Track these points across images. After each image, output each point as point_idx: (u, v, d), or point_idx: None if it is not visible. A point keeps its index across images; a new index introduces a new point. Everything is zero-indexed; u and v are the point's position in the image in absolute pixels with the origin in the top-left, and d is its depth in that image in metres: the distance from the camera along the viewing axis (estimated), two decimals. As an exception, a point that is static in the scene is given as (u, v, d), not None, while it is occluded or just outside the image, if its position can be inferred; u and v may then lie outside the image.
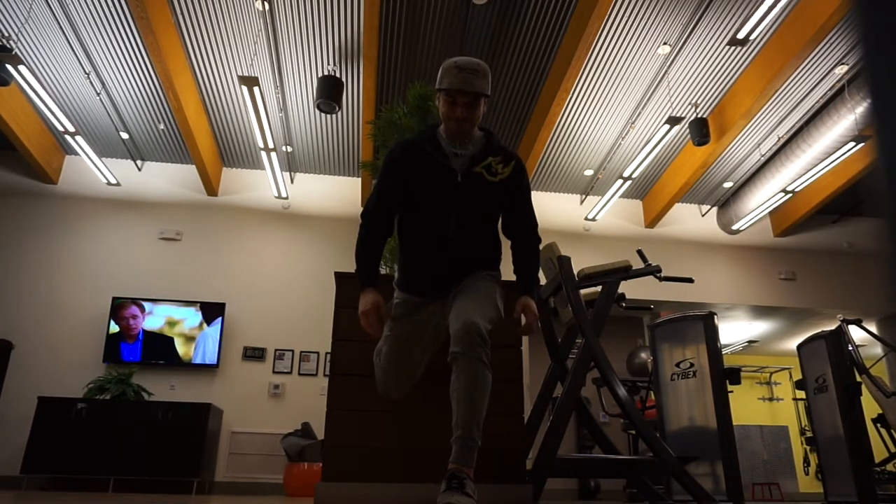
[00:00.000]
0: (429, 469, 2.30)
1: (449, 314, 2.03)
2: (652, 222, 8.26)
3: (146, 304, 6.91)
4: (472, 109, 2.02)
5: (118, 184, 7.49)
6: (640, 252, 3.62)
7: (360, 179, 7.90)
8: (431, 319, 2.14)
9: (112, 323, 6.82)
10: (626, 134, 7.11)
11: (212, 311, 7.00)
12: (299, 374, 7.05)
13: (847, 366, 5.07)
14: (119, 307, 6.87)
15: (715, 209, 8.56)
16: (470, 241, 2.11)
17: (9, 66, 5.20)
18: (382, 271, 3.43)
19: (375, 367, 2.24)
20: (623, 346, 8.47)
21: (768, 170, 7.32)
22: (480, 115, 2.06)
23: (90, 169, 7.45)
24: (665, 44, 5.87)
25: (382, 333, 2.18)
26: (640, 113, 6.81)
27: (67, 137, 6.48)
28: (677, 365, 4.34)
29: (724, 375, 4.06)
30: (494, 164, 2.10)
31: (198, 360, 6.81)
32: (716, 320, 4.26)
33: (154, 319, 6.88)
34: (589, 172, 7.87)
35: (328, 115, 6.83)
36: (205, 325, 6.93)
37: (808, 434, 9.70)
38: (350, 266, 7.20)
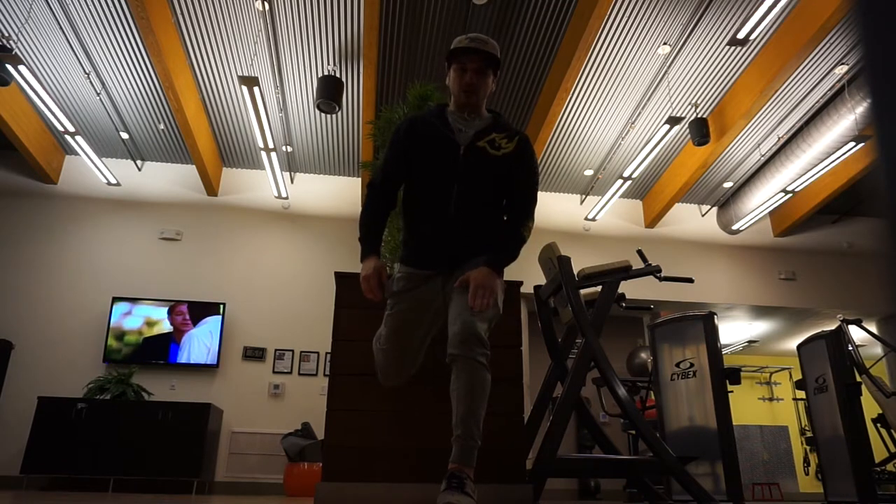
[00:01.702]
0: (429, 469, 2.29)
1: (450, 301, 2.01)
2: (652, 222, 8.26)
3: (126, 304, 6.90)
4: (482, 77, 2.09)
5: (118, 184, 7.49)
6: (640, 252, 3.62)
7: (360, 179, 7.91)
8: (433, 299, 2.09)
9: (167, 323, 6.88)
10: (626, 134, 7.11)
11: (199, 312, 6.99)
12: (299, 374, 7.05)
13: (847, 366, 5.07)
14: (172, 308, 6.92)
15: (715, 209, 8.56)
16: (472, 216, 2.10)
17: (9, 66, 5.20)
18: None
19: (375, 353, 2.21)
20: (623, 346, 8.47)
21: (768, 170, 7.32)
22: (488, 87, 2.12)
23: (90, 169, 7.45)
24: (665, 44, 5.87)
25: (384, 314, 2.16)
26: (640, 113, 6.81)
27: (67, 137, 6.49)
28: (677, 365, 4.34)
29: (724, 375, 4.06)
30: (498, 139, 2.13)
31: (182, 360, 6.80)
32: (716, 320, 4.26)
33: (133, 319, 6.87)
34: (589, 172, 7.87)
35: (328, 115, 6.83)
36: (190, 325, 6.92)
37: (808, 434, 9.70)
38: (349, 265, 7.20)
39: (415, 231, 2.15)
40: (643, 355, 7.30)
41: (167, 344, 6.82)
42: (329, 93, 5.69)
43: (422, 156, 2.13)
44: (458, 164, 2.08)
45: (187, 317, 6.91)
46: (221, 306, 7.01)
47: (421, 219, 2.13)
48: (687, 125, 6.73)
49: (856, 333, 7.21)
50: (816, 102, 6.61)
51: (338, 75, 6.12)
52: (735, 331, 9.75)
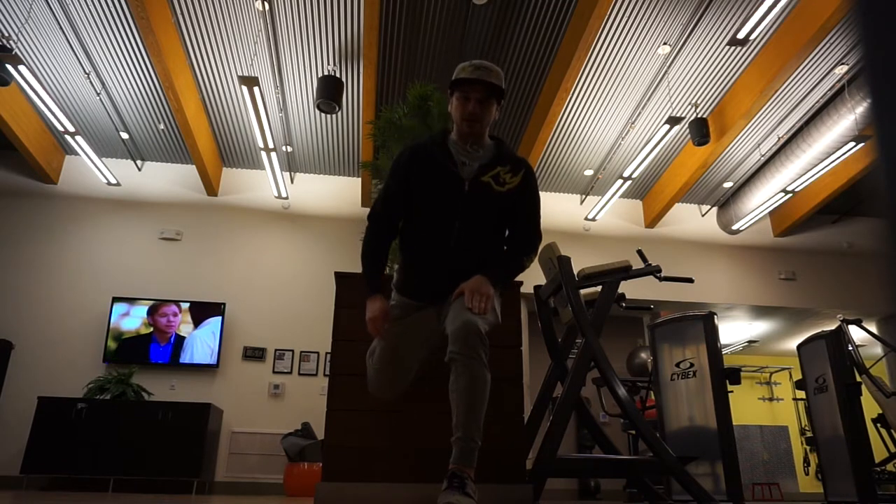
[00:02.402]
0: (429, 469, 2.29)
1: (446, 317, 2.01)
2: (652, 222, 8.26)
3: (124, 305, 6.89)
4: (485, 107, 2.04)
5: (118, 184, 7.49)
6: (640, 252, 3.62)
7: (360, 179, 7.90)
8: (427, 323, 2.12)
9: (147, 324, 6.85)
10: (626, 134, 7.11)
11: (202, 312, 6.98)
12: (299, 374, 7.05)
13: (847, 366, 5.07)
14: (155, 308, 6.89)
15: (715, 209, 8.56)
16: (471, 251, 2.08)
17: (9, 66, 5.20)
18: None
19: (368, 368, 2.22)
20: (623, 346, 8.47)
21: (768, 170, 7.32)
22: (492, 117, 2.07)
23: (90, 169, 7.45)
24: (665, 44, 5.87)
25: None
26: (640, 113, 6.81)
27: (67, 137, 6.48)
28: (677, 365, 4.34)
29: (724, 375, 4.06)
30: (503, 174, 2.09)
31: (184, 361, 6.80)
32: (716, 320, 4.26)
33: (132, 320, 6.86)
34: (589, 172, 7.87)
35: (328, 115, 6.83)
36: (192, 326, 6.91)
37: (808, 434, 9.70)
38: (349, 265, 7.20)
39: (413, 263, 2.14)
40: (643, 355, 7.30)
41: (146, 345, 6.79)
42: (329, 93, 5.69)
43: (424, 189, 2.08)
44: (461, 199, 2.05)
45: (171, 319, 6.88)
46: (222, 306, 7.01)
47: (420, 251, 2.12)
48: (687, 125, 6.73)
49: (856, 333, 7.21)
50: (816, 102, 6.61)
51: (338, 75, 6.12)
52: (735, 331, 9.74)
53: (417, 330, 2.12)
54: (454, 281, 2.05)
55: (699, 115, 6.67)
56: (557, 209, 8.24)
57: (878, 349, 10.00)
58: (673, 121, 6.06)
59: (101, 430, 5.92)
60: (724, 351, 10.81)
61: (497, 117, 2.12)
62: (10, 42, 5.64)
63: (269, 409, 6.89)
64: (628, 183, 7.27)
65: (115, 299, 6.87)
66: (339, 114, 6.79)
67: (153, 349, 6.78)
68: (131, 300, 6.91)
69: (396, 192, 2.12)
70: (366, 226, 2.19)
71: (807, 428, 10.49)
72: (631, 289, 7.56)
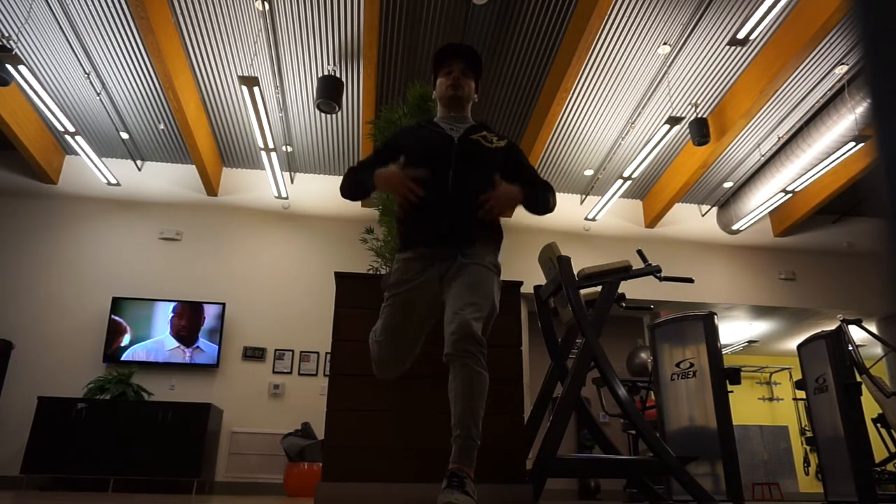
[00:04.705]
0: (429, 469, 2.29)
1: (446, 295, 2.00)
2: (652, 222, 8.26)
3: (126, 305, 6.89)
4: (466, 78, 2.24)
5: (118, 184, 7.49)
6: (640, 252, 3.62)
7: (360, 179, 7.89)
8: (430, 287, 2.06)
9: (157, 323, 6.85)
10: (626, 134, 7.11)
11: (203, 313, 6.97)
12: (299, 374, 7.05)
13: (847, 366, 5.07)
14: (151, 309, 6.90)
15: (715, 209, 8.56)
16: (469, 196, 2.08)
17: (9, 66, 5.20)
18: (382, 271, 3.42)
19: (371, 346, 2.20)
20: (623, 346, 8.47)
21: (768, 170, 7.32)
22: (472, 89, 2.27)
23: (90, 169, 7.45)
24: (665, 44, 5.87)
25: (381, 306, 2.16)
26: (640, 113, 6.81)
27: (67, 137, 6.48)
28: (677, 365, 4.34)
29: (724, 375, 4.06)
30: (489, 136, 2.24)
31: (185, 361, 6.80)
32: (716, 320, 4.26)
33: (129, 321, 6.85)
34: (589, 172, 7.87)
35: (328, 115, 6.82)
36: (193, 328, 6.91)
37: (808, 434, 9.70)
38: (349, 265, 7.20)
39: (412, 212, 2.10)
40: (643, 355, 7.30)
41: (141, 346, 6.79)
42: (329, 93, 5.69)
43: (416, 151, 2.18)
44: (453, 151, 2.14)
45: (170, 320, 6.90)
46: (222, 306, 7.01)
47: (420, 203, 2.09)
48: (687, 125, 6.73)
49: (856, 333, 7.20)
50: (816, 102, 6.61)
51: (338, 75, 6.12)
52: (735, 331, 9.74)
53: (421, 294, 2.08)
54: (455, 230, 2.08)
55: (699, 115, 6.67)
56: (557, 209, 8.22)
57: (878, 349, 9.99)
58: (673, 121, 6.06)
59: (101, 430, 5.92)
60: (724, 351, 10.80)
61: (476, 99, 2.31)
62: (10, 42, 5.64)
63: (269, 409, 6.89)
64: (628, 183, 7.27)
65: (115, 299, 6.87)
66: (339, 114, 6.79)
67: (147, 350, 6.78)
68: (131, 300, 6.91)
69: (383, 156, 2.25)
70: (343, 176, 2.29)
71: (807, 428, 10.49)
72: (631, 289, 7.53)
